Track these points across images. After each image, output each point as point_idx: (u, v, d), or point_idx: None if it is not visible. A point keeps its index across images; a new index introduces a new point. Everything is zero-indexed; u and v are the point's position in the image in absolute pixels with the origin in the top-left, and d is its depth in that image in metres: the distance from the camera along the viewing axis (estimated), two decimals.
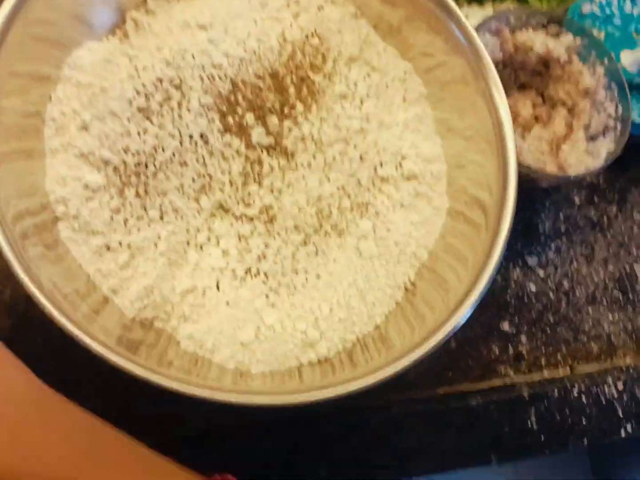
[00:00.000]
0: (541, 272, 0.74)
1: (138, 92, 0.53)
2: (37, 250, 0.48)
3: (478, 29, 0.66)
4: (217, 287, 0.55)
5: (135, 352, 0.48)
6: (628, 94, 0.68)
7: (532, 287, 0.74)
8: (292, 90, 0.59)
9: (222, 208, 0.57)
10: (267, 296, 0.56)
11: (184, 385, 0.45)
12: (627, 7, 0.78)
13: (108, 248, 0.52)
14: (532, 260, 0.74)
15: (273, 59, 0.58)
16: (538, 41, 0.68)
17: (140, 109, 0.53)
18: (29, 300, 0.44)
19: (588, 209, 0.78)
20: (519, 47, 0.68)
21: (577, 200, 0.78)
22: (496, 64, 0.67)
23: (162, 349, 0.51)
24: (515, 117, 0.70)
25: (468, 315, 0.51)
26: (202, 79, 0.55)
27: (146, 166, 0.53)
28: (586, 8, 0.76)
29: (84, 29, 0.55)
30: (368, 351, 0.56)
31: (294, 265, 0.57)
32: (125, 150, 0.53)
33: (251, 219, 0.58)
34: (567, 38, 0.69)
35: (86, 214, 0.51)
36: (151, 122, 0.53)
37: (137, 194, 0.53)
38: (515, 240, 0.74)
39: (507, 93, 0.70)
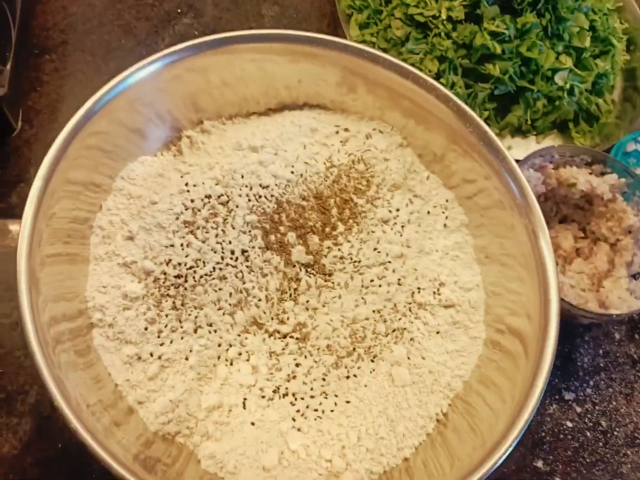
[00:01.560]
0: (578, 409, 0.71)
1: (186, 207, 0.54)
2: (69, 356, 0.48)
3: (522, 163, 0.67)
4: (244, 406, 0.54)
5: (151, 470, 0.47)
6: None
7: (569, 424, 0.70)
8: (334, 211, 0.60)
9: (256, 324, 0.57)
10: (294, 419, 0.54)
11: None
12: None
13: (139, 358, 0.52)
14: (569, 396, 0.71)
15: (319, 181, 0.60)
16: (582, 178, 0.68)
17: (186, 223, 0.55)
18: (53, 405, 0.44)
19: (629, 346, 0.76)
20: (563, 182, 0.69)
21: (617, 336, 0.76)
22: (538, 197, 0.68)
23: (179, 469, 0.50)
24: (556, 249, 0.70)
25: (504, 457, 0.49)
26: (248, 197, 0.56)
27: (185, 279, 0.54)
28: (630, 147, 0.77)
29: (140, 143, 0.57)
30: None
31: (324, 388, 0.56)
32: (167, 262, 0.53)
33: (284, 336, 0.57)
34: (612, 177, 0.70)
35: (122, 322, 0.52)
36: (195, 236, 0.54)
37: (174, 306, 0.53)
38: (552, 374, 0.71)
39: (549, 225, 0.70)
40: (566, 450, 0.69)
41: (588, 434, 0.70)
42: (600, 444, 0.70)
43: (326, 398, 0.55)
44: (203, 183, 0.55)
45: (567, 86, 0.77)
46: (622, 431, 0.71)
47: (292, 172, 0.58)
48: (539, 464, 0.68)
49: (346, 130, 0.64)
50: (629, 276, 0.68)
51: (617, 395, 0.73)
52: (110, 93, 0.54)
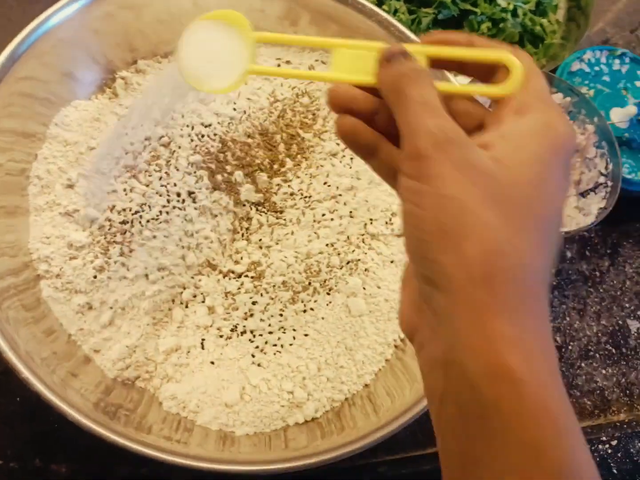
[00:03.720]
0: None
1: (126, 151, 0.53)
2: (17, 311, 0.47)
3: None
4: (202, 346, 0.54)
5: (113, 417, 0.47)
6: (618, 151, 0.68)
7: None
8: (281, 147, 0.59)
9: (210, 265, 0.57)
10: (253, 355, 0.55)
11: (165, 454, 0.43)
12: (616, 64, 0.79)
13: (90, 307, 0.51)
14: None
15: (263, 117, 0.58)
16: None
17: (127, 167, 0.53)
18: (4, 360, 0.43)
19: (580, 263, 0.78)
20: None
21: (569, 254, 0.78)
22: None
23: (142, 412, 0.50)
24: None
25: None
26: (191, 137, 0.55)
27: (132, 224, 0.53)
28: (575, 66, 0.77)
29: (72, 87, 0.55)
30: (357, 410, 0.54)
31: (282, 323, 0.56)
32: (111, 209, 0.52)
33: (239, 276, 0.57)
34: (557, 97, 0.70)
35: (69, 272, 0.51)
36: (138, 180, 0.53)
37: (122, 253, 0.52)
38: None
39: None
40: None
41: None
42: None
43: (284, 333, 0.56)
44: (142, 125, 0.53)
45: (511, 7, 0.76)
46: (576, 345, 0.74)
47: (235, 109, 0.57)
48: None
49: (288, 62, 0.62)
50: (577, 194, 0.69)
51: (571, 311, 0.75)
52: (35, 33, 0.51)
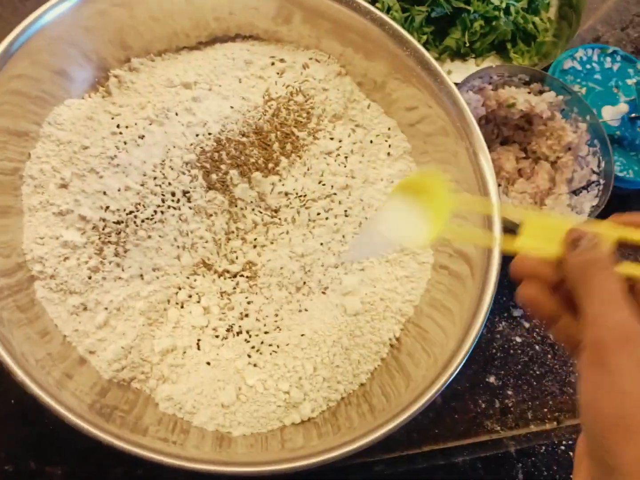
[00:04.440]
0: (527, 324, 0.74)
1: (120, 150, 0.52)
2: (11, 313, 0.46)
3: (461, 86, 0.66)
4: (198, 347, 0.54)
5: (109, 418, 0.47)
6: (610, 148, 0.69)
7: (518, 339, 0.73)
8: (276, 146, 0.59)
9: (205, 265, 0.56)
10: (249, 356, 0.54)
11: (161, 456, 0.43)
12: (607, 62, 0.80)
13: (85, 308, 0.51)
14: (517, 312, 0.74)
15: (257, 116, 0.58)
16: (521, 98, 0.68)
17: (121, 167, 0.52)
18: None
19: None
20: (502, 103, 0.69)
21: None
22: (479, 120, 0.68)
23: (138, 413, 0.50)
24: (498, 170, 0.71)
25: (456, 373, 0.50)
26: (185, 136, 0.54)
27: (126, 224, 0.52)
28: (567, 64, 0.77)
29: (65, 85, 0.54)
30: (353, 410, 0.54)
31: (277, 323, 0.56)
32: (105, 208, 0.52)
33: (234, 275, 0.57)
34: (550, 95, 0.70)
35: (64, 273, 0.50)
36: (133, 179, 0.53)
37: (117, 253, 0.52)
38: (500, 293, 0.73)
39: (490, 147, 0.70)
40: (517, 365, 0.72)
41: (537, 347, 0.73)
42: (549, 355, 0.73)
43: (280, 332, 0.56)
44: (135, 124, 0.53)
45: (503, 5, 0.76)
46: None
47: (229, 108, 0.56)
48: (492, 379, 0.70)
49: (282, 61, 0.62)
50: (570, 192, 0.69)
51: None
52: (28, 31, 0.51)
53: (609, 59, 0.80)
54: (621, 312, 0.31)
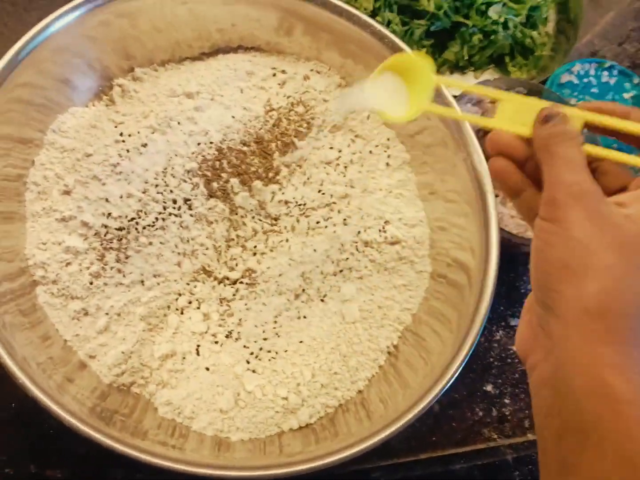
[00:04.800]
0: None
1: (122, 158, 0.53)
2: (13, 317, 0.47)
3: (459, 98, 0.67)
4: (197, 352, 0.54)
5: (109, 422, 0.47)
6: None
7: (515, 349, 0.73)
8: (276, 155, 0.59)
9: (205, 271, 0.57)
10: (247, 362, 0.55)
11: (161, 459, 0.43)
12: (604, 76, 0.81)
13: (86, 313, 0.52)
14: (514, 322, 0.74)
15: (259, 126, 0.59)
16: None
17: (124, 174, 0.53)
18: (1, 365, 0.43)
19: None
20: None
21: None
22: (477, 132, 0.68)
23: (138, 417, 0.50)
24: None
25: (452, 380, 0.51)
26: (187, 145, 0.55)
27: (128, 231, 0.53)
28: (564, 78, 0.78)
29: (70, 94, 0.55)
30: (350, 416, 0.55)
31: (276, 330, 0.57)
32: (108, 215, 0.53)
33: (234, 282, 0.57)
34: None
35: (65, 278, 0.51)
36: (135, 187, 0.53)
37: (118, 259, 0.53)
38: (498, 302, 0.74)
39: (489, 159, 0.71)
40: (514, 373, 0.72)
41: None
42: None
43: (279, 339, 0.56)
44: (138, 132, 0.54)
45: (502, 20, 0.77)
46: None
47: (231, 118, 0.57)
48: (489, 387, 0.70)
49: (283, 72, 0.63)
50: None
51: None
52: (33, 41, 0.52)
53: (606, 73, 0.81)
54: (580, 174, 0.33)
